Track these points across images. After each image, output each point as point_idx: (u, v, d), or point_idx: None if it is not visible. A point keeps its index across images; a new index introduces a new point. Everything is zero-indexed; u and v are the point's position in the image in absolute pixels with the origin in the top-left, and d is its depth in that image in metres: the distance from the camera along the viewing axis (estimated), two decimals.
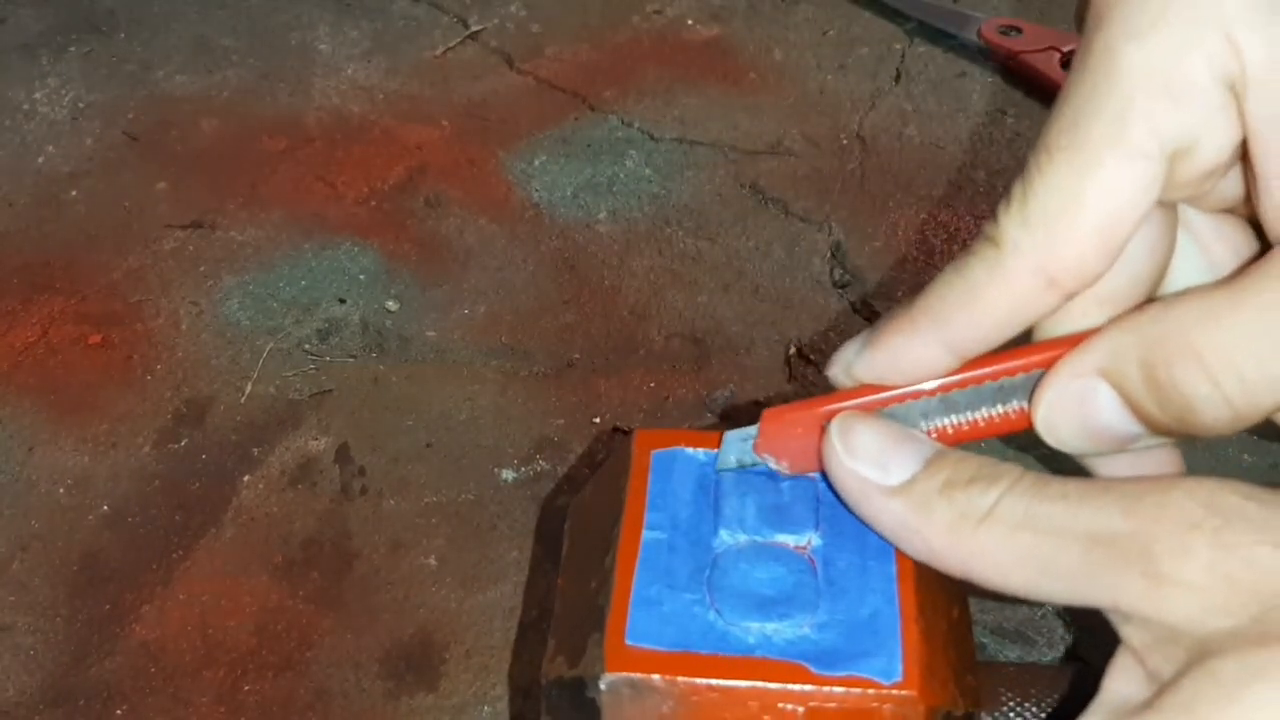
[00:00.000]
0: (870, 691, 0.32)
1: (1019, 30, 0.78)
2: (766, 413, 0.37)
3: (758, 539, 0.37)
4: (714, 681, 0.33)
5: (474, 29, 0.83)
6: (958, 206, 0.69)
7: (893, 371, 0.34)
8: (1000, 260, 0.31)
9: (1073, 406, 0.32)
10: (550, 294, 0.65)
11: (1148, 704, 0.29)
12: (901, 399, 0.34)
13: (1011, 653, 0.49)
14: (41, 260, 0.67)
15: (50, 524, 0.55)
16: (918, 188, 0.70)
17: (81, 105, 0.77)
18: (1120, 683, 0.31)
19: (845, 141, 0.74)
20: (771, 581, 0.35)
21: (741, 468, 0.37)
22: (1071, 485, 0.31)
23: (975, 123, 0.75)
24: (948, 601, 0.37)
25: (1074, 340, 0.32)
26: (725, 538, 0.37)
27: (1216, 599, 0.28)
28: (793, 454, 0.36)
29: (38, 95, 0.78)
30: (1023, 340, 0.34)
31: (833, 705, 0.32)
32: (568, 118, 0.76)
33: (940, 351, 0.33)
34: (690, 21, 0.83)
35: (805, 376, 0.60)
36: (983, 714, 0.40)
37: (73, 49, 0.82)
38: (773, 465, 0.37)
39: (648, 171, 0.72)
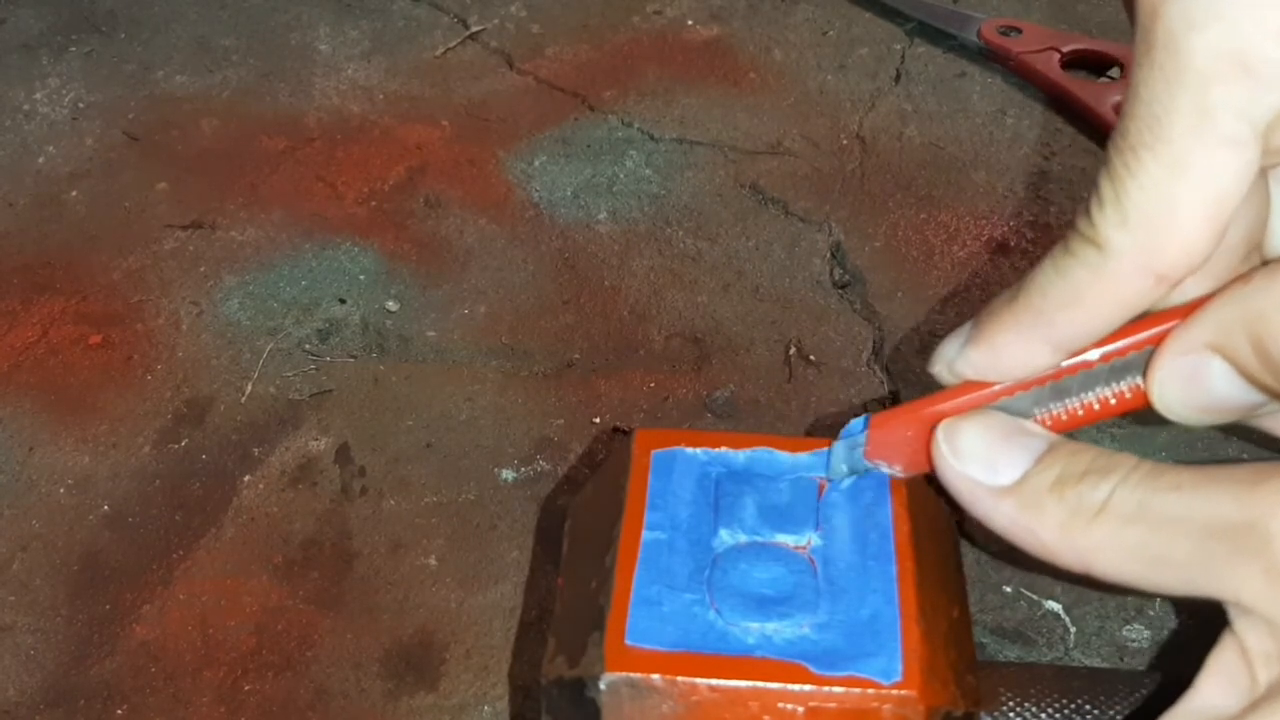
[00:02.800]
0: (870, 691, 0.32)
1: (1019, 30, 0.78)
2: (874, 419, 0.36)
3: (758, 539, 0.37)
4: (714, 681, 0.33)
5: (474, 29, 0.83)
6: (957, 207, 0.69)
7: (995, 370, 0.34)
8: (1103, 262, 0.31)
9: (1187, 383, 0.31)
10: (550, 294, 0.65)
11: (1238, 717, 0.29)
12: (1010, 391, 0.34)
13: (1011, 653, 0.49)
14: (42, 260, 0.67)
15: (50, 524, 0.55)
16: (917, 188, 0.70)
17: (82, 105, 0.77)
18: (1217, 688, 0.30)
19: (845, 141, 0.74)
20: (771, 581, 0.35)
21: (854, 475, 0.37)
22: (1186, 474, 0.30)
23: (975, 123, 0.75)
24: (948, 602, 0.37)
25: (1182, 311, 0.32)
26: (725, 538, 0.37)
27: None
28: (905, 457, 0.36)
29: (38, 95, 0.78)
30: None
31: (833, 705, 0.32)
32: (568, 118, 0.76)
33: (1044, 349, 0.33)
34: (690, 21, 0.83)
35: (805, 376, 0.60)
36: (983, 714, 0.40)
37: (73, 49, 0.82)
38: (885, 470, 0.37)
39: (648, 171, 0.72)
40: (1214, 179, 0.29)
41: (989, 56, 0.79)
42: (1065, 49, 0.77)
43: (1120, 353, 0.33)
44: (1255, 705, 0.29)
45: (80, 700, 0.48)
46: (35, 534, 0.54)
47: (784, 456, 0.38)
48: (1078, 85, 0.75)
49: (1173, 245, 0.30)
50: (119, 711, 0.48)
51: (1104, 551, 0.31)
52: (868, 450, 0.36)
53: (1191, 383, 0.31)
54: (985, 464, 0.33)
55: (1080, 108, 0.74)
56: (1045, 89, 0.76)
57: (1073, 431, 0.34)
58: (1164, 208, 0.30)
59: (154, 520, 0.55)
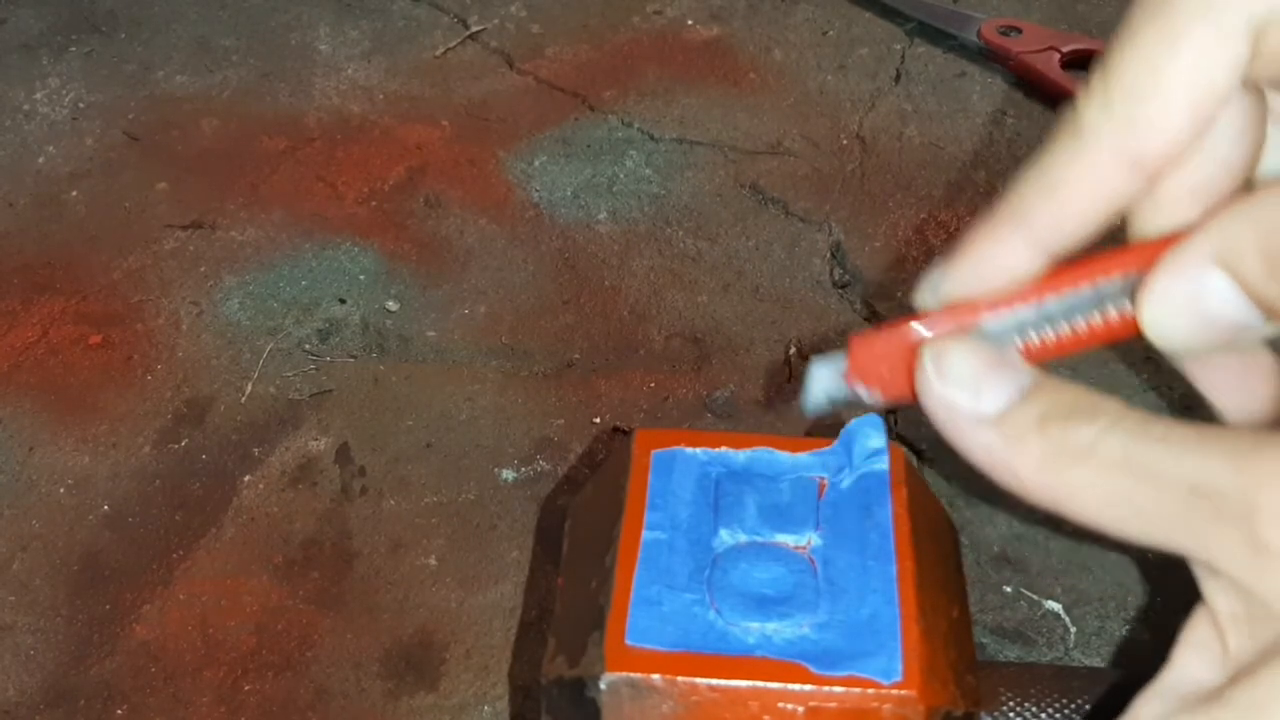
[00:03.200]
0: (870, 691, 0.32)
1: (1019, 30, 0.78)
2: (855, 339, 0.34)
3: (758, 539, 0.37)
4: (714, 681, 0.33)
5: (474, 29, 0.83)
6: (958, 207, 0.69)
7: (979, 280, 0.33)
8: (1081, 146, 0.30)
9: (1186, 298, 0.30)
10: (550, 294, 0.65)
11: (1218, 693, 0.28)
12: (994, 307, 0.33)
13: (1011, 653, 0.49)
14: (42, 260, 0.67)
15: (51, 524, 0.55)
16: (917, 188, 0.70)
17: (82, 105, 0.77)
18: (1192, 660, 0.30)
19: (845, 141, 0.74)
20: (771, 581, 0.35)
21: (831, 404, 0.35)
22: (1177, 429, 0.29)
23: (975, 123, 0.74)
24: (948, 601, 0.37)
25: (1173, 239, 0.31)
26: (725, 537, 0.37)
27: None
28: (885, 382, 0.34)
29: (38, 96, 0.78)
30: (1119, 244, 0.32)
31: (833, 705, 0.32)
32: (568, 118, 0.76)
33: (1026, 251, 0.32)
34: (690, 21, 0.83)
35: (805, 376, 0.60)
36: (982, 714, 0.40)
37: (73, 49, 0.82)
38: (865, 396, 0.34)
39: (648, 172, 0.72)
40: (1198, 64, 0.29)
41: (989, 56, 0.79)
42: (1065, 49, 0.77)
43: (1106, 272, 0.32)
44: (1236, 680, 0.28)
45: (80, 700, 0.48)
46: (35, 534, 0.54)
47: (784, 456, 0.38)
48: (1078, 85, 0.75)
49: (1149, 127, 0.30)
50: (119, 711, 0.48)
51: (1081, 493, 0.30)
52: (848, 372, 0.34)
53: (1192, 299, 0.30)
54: (971, 390, 0.32)
55: None
56: (1045, 89, 0.76)
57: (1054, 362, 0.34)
58: (1145, 87, 0.30)
59: (154, 520, 0.55)
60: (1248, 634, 0.28)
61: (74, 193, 0.71)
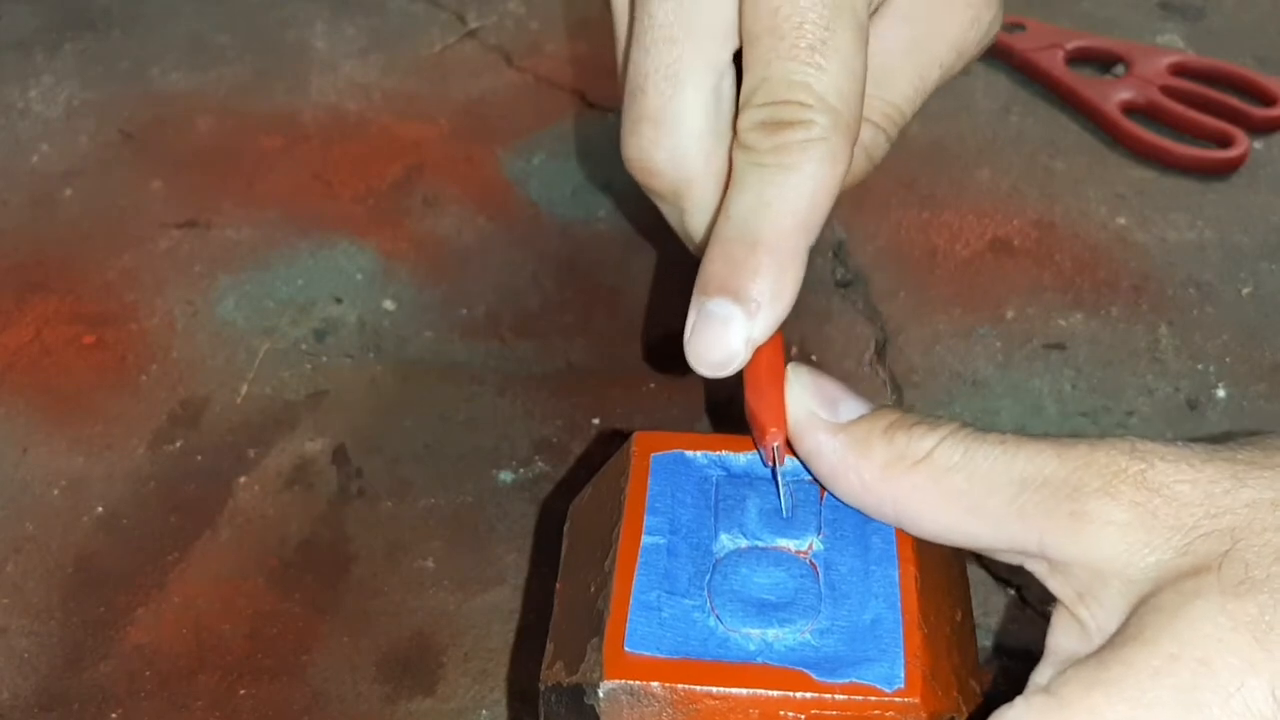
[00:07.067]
0: (872, 699, 0.32)
1: (1022, 27, 0.78)
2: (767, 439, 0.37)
3: (759, 543, 0.36)
4: (714, 689, 0.32)
5: (472, 26, 0.82)
6: (961, 205, 0.69)
7: (784, 302, 0.40)
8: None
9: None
10: (550, 294, 0.64)
11: (1098, 649, 0.31)
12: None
13: (1014, 659, 0.49)
14: (35, 260, 0.67)
15: (44, 526, 0.54)
16: (920, 187, 0.70)
17: (76, 103, 0.77)
18: (1063, 637, 0.33)
19: None
20: (773, 587, 0.35)
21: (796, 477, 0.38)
22: (1009, 435, 0.33)
23: (979, 120, 0.74)
24: (951, 606, 0.36)
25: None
26: (726, 542, 0.36)
27: (1140, 535, 0.30)
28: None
29: (32, 93, 0.77)
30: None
31: (834, 713, 0.32)
32: (567, 115, 0.75)
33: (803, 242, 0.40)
34: None
35: None
36: None
37: (67, 46, 0.81)
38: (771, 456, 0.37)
39: None
40: None
41: (992, 53, 0.78)
42: (1069, 45, 0.76)
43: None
44: (1110, 638, 0.30)
45: (74, 704, 0.48)
46: (29, 536, 0.54)
47: (786, 460, 0.38)
48: (1082, 82, 0.74)
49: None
50: (113, 716, 0.48)
51: (921, 494, 0.33)
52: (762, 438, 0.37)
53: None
54: (829, 403, 0.36)
55: (1085, 105, 0.73)
56: (1049, 86, 0.75)
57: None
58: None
59: (148, 522, 0.54)
60: (1097, 604, 0.31)
61: (68, 191, 0.71)
